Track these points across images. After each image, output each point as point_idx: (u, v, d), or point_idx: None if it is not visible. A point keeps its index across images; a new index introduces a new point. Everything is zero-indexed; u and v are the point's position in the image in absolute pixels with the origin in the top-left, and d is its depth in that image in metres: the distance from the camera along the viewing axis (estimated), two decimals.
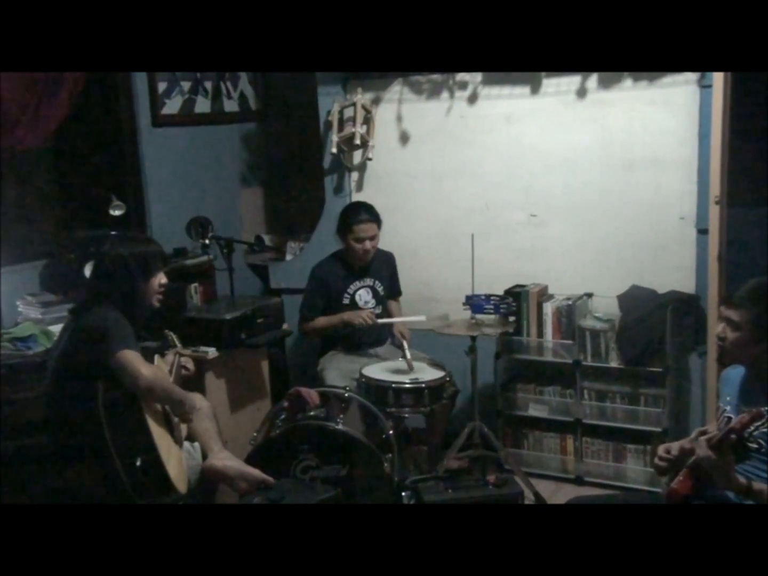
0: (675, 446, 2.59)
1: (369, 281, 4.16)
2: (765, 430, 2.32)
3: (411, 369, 3.78)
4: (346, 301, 4.11)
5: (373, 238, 4.03)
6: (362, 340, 4.11)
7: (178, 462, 2.87)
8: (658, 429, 3.77)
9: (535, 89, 4.01)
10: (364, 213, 4.02)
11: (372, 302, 4.15)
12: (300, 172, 5.19)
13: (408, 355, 3.84)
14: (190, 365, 3.28)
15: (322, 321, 4.08)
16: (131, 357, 2.74)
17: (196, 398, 3.24)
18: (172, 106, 4.43)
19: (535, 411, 4.08)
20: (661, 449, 2.60)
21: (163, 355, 3.19)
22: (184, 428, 3.07)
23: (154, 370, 2.80)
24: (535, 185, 4.11)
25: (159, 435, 2.78)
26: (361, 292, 4.13)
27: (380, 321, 4.03)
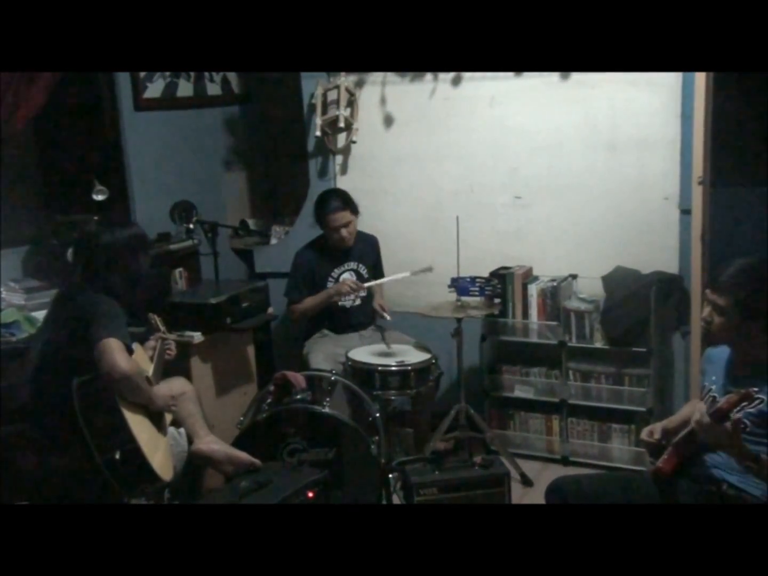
0: (657, 428, 2.61)
1: (352, 265, 4.15)
2: (751, 410, 2.34)
3: (388, 339, 3.87)
4: (330, 284, 4.10)
5: (347, 224, 4.02)
6: (347, 324, 4.12)
7: (162, 450, 2.84)
8: (643, 408, 3.80)
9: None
10: (334, 201, 4.00)
11: None
12: (284, 156, 5.17)
13: (387, 317, 4.02)
14: (173, 348, 3.25)
15: (309, 301, 4.07)
16: (113, 346, 2.68)
17: (179, 383, 3.24)
18: (154, 90, 4.40)
19: (520, 392, 4.10)
20: (644, 432, 2.62)
21: (145, 341, 3.17)
22: (168, 416, 3.05)
23: (131, 365, 2.72)
24: (520, 167, 4.10)
25: (139, 425, 2.73)
26: (345, 275, 4.13)
27: (366, 285, 4.03)
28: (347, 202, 4.02)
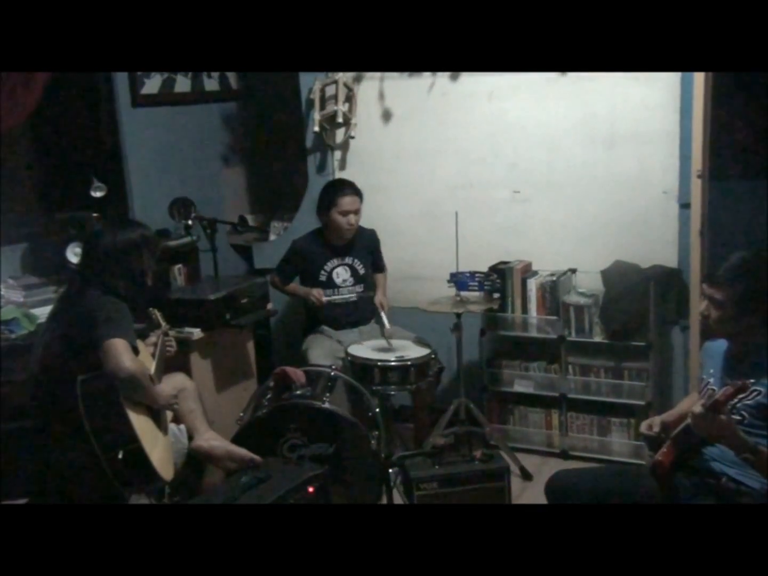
0: (657, 421, 2.61)
1: (348, 259, 4.15)
2: (749, 402, 2.35)
3: (389, 337, 3.85)
4: (322, 277, 4.11)
5: (357, 212, 4.04)
6: (346, 319, 4.11)
7: (163, 449, 2.84)
8: (642, 402, 3.81)
9: None
10: (346, 187, 4.04)
11: (350, 281, 4.14)
12: (282, 152, 5.16)
13: (387, 324, 3.96)
14: (173, 344, 3.25)
15: (289, 287, 4.21)
16: (119, 346, 2.68)
17: (180, 379, 3.23)
18: (152, 86, 4.39)
19: (520, 386, 4.10)
20: (643, 426, 2.62)
21: (145, 337, 3.16)
22: (168, 413, 3.05)
23: (137, 365, 2.72)
24: (518, 162, 4.10)
25: (142, 424, 2.73)
26: (339, 269, 4.13)
27: (325, 299, 4.02)
28: (358, 191, 4.07)
